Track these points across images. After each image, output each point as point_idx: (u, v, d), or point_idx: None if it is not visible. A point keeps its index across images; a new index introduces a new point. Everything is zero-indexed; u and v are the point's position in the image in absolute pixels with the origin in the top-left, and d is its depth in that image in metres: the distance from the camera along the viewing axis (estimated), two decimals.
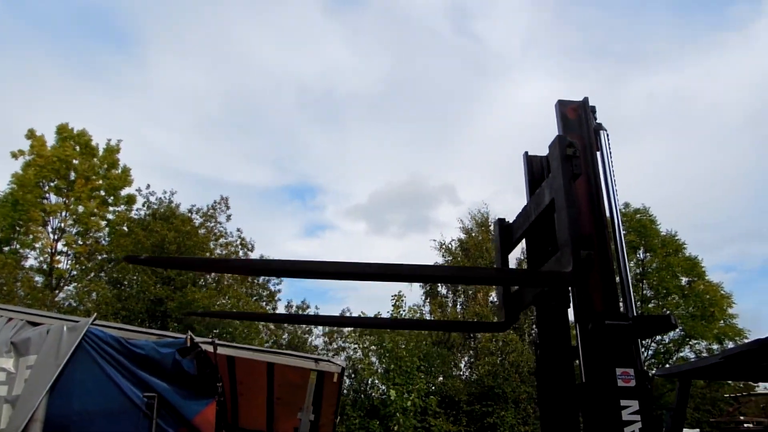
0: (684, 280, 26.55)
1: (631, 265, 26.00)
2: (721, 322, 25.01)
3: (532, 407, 21.90)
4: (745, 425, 14.63)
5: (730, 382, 19.24)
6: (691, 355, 25.63)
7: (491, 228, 31.96)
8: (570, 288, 3.54)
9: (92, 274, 18.83)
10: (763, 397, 20.54)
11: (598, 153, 3.53)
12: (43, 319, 7.54)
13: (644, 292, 24.95)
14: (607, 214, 3.45)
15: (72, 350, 6.95)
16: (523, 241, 4.34)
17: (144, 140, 47.78)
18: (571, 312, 3.59)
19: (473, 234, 31.28)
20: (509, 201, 44.53)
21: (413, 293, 34.41)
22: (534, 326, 28.10)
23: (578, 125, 3.52)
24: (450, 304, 30.55)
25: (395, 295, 20.23)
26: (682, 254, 26.54)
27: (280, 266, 3.00)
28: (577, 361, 3.20)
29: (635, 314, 2.96)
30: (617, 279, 3.18)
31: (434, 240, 32.16)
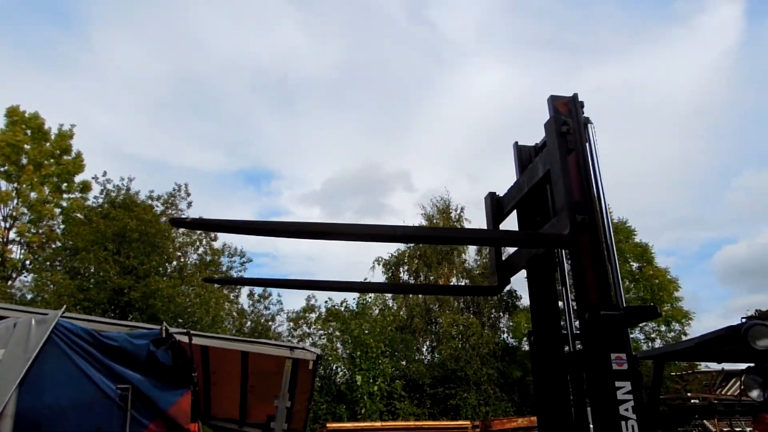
0: (635, 265, 27.77)
1: None
2: (668, 305, 26.33)
3: (492, 388, 22.64)
4: (692, 401, 15.55)
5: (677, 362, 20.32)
6: (641, 337, 26.91)
7: (452, 214, 32.54)
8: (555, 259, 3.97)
9: (47, 264, 18.20)
10: (706, 374, 21.77)
11: (587, 144, 3.83)
12: (8, 312, 7.37)
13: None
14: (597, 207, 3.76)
15: (42, 344, 6.85)
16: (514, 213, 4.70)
17: (89, 122, 46.05)
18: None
19: (435, 221, 31.69)
20: (463, 188, 45.24)
21: (375, 278, 34.77)
22: (493, 311, 28.91)
23: (568, 118, 3.79)
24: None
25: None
26: (632, 240, 27.74)
27: (323, 228, 3.17)
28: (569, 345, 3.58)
29: (623, 304, 3.24)
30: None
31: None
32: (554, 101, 3.81)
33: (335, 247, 59.82)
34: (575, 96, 3.77)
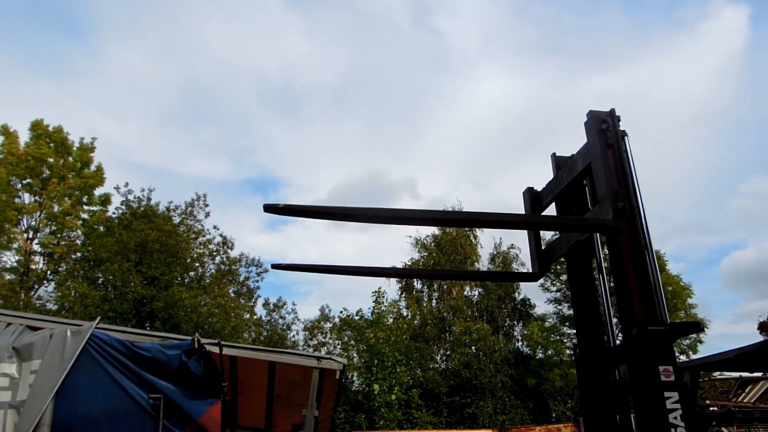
0: None
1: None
2: (683, 312, 26.17)
3: (507, 396, 22.62)
4: (710, 408, 15.50)
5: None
6: None
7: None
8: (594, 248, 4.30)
9: (72, 274, 18.49)
10: (723, 382, 21.58)
11: (624, 150, 4.09)
12: (43, 324, 7.58)
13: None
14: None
15: (77, 354, 7.05)
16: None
17: (95, 130, 46.53)
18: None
19: (447, 230, 31.75)
20: (469, 195, 45.24)
21: (390, 288, 34.83)
22: (507, 319, 28.90)
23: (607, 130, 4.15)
24: (426, 299, 31.11)
25: (375, 291, 21.06)
26: None
27: (411, 215, 3.50)
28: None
29: (667, 319, 3.40)
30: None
31: (410, 236, 32.54)
32: (593, 113, 4.15)
33: (343, 255, 59.94)
34: (613, 111, 4.10)
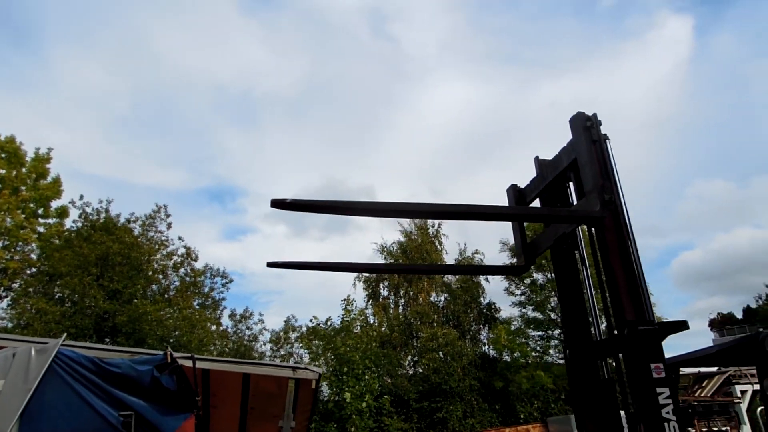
0: None
1: None
2: None
3: (475, 399, 22.90)
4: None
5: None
6: None
7: (430, 230, 32.89)
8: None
9: (30, 290, 17.72)
10: (684, 377, 22.37)
11: (606, 151, 4.34)
12: (5, 342, 7.31)
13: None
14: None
15: (42, 373, 6.82)
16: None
17: (44, 140, 45.06)
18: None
19: (413, 237, 32.00)
20: (428, 201, 45.49)
21: (356, 294, 34.79)
22: (473, 324, 29.28)
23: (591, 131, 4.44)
24: (392, 306, 31.22)
25: (345, 299, 21.08)
26: None
27: (414, 208, 3.58)
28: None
29: (654, 319, 3.57)
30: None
31: (375, 243, 32.67)
32: (578, 113, 4.45)
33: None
34: (595, 115, 4.36)
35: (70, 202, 20.77)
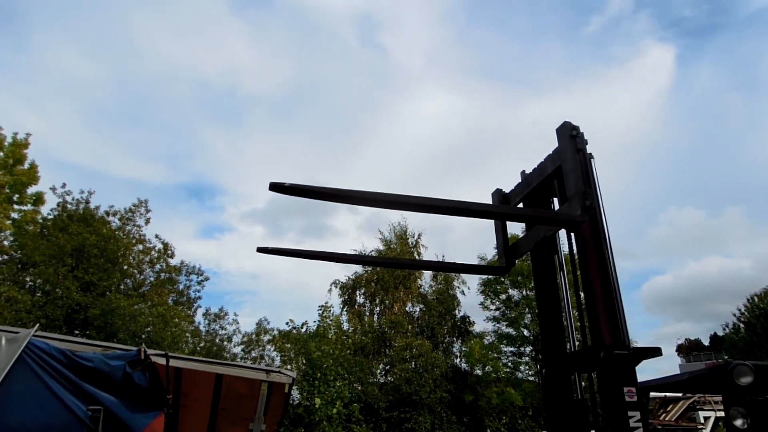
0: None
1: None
2: None
3: (445, 411, 23.00)
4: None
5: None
6: None
7: (410, 240, 33.05)
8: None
9: (0, 277, 17.33)
10: (650, 401, 22.76)
11: (589, 165, 4.61)
12: None
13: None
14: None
15: (12, 363, 6.73)
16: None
17: (20, 125, 44.18)
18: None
19: (392, 246, 32.13)
20: (406, 213, 45.89)
21: (332, 301, 34.65)
22: (447, 336, 29.43)
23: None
24: (367, 313, 31.23)
25: (322, 305, 21.18)
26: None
27: (416, 201, 3.68)
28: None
29: (629, 343, 3.73)
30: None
31: (355, 250, 32.67)
32: (565, 123, 4.75)
33: (279, 266, 59.28)
34: (578, 126, 4.68)
35: (51, 188, 20.42)
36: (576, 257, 4.36)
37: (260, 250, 4.45)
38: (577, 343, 4.67)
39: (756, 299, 37.13)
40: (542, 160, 5.02)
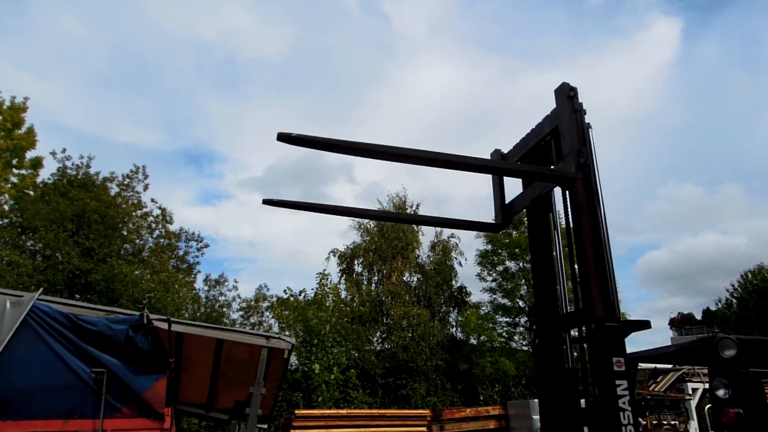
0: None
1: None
2: None
3: (440, 379, 23.48)
4: None
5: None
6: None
7: (408, 210, 33.11)
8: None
9: (1, 242, 17.43)
10: (640, 372, 23.22)
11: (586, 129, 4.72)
12: None
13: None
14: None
15: (16, 325, 6.87)
16: None
17: (18, 89, 43.68)
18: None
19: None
20: (404, 182, 46.05)
21: (330, 269, 34.83)
22: (444, 305, 29.78)
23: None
24: (365, 282, 31.52)
25: (320, 273, 21.42)
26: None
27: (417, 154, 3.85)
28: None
29: (619, 315, 3.86)
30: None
31: (353, 220, 32.75)
32: (563, 83, 4.88)
33: (276, 236, 59.47)
34: (576, 87, 4.78)
35: (51, 153, 20.34)
36: (570, 218, 4.50)
37: (266, 202, 4.55)
38: (569, 308, 4.83)
39: (750, 275, 37.46)
40: (540, 120, 5.14)
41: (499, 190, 5.68)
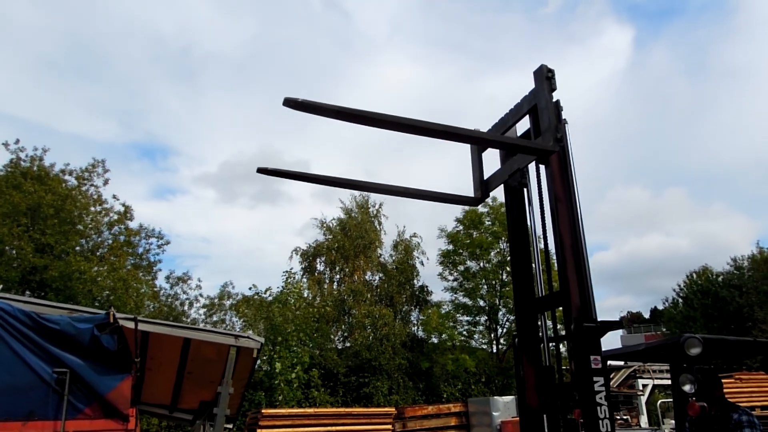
0: None
1: (493, 255, 28.80)
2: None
3: (402, 377, 23.74)
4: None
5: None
6: None
7: (371, 209, 33.27)
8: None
9: None
10: None
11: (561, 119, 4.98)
12: None
13: (504, 278, 27.79)
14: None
15: None
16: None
17: None
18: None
19: (353, 215, 32.27)
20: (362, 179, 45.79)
21: (294, 266, 34.46)
22: (405, 305, 30.07)
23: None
24: (327, 281, 31.50)
25: (287, 271, 21.37)
26: None
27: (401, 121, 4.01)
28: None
29: (596, 316, 4.07)
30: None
31: (315, 218, 32.70)
32: (542, 65, 5.17)
33: (234, 231, 58.57)
34: (554, 70, 5.12)
35: (3, 144, 19.42)
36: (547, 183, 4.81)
37: (260, 170, 4.50)
38: (543, 290, 5.05)
39: (695, 276, 39.25)
40: (518, 101, 5.40)
41: (478, 165, 5.90)
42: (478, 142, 5.30)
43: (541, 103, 4.97)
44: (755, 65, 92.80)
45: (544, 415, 4.50)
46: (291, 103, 3.50)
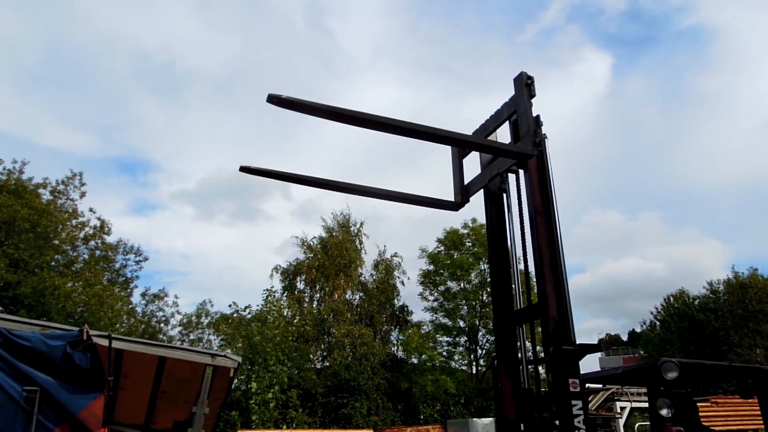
0: None
1: (473, 275, 28.88)
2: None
3: (381, 398, 23.49)
4: None
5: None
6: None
7: (352, 229, 33.22)
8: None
9: None
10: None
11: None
12: None
13: (484, 299, 27.86)
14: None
15: None
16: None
17: None
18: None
19: (334, 233, 32.21)
20: (339, 200, 46.29)
21: (275, 284, 34.05)
22: (385, 325, 29.91)
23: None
24: (307, 300, 31.25)
25: (267, 289, 21.18)
26: None
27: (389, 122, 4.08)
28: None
29: (574, 339, 4.09)
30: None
31: (296, 236, 32.58)
32: (521, 73, 5.33)
33: (212, 248, 57.97)
34: (533, 77, 5.28)
35: None
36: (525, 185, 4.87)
37: (243, 169, 4.51)
38: (521, 300, 5.07)
39: (672, 299, 39.74)
40: (499, 107, 5.50)
41: (458, 170, 5.98)
42: (458, 143, 5.38)
43: (521, 107, 5.10)
44: (728, 93, 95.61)
45: (522, 425, 4.52)
46: (274, 99, 3.54)
